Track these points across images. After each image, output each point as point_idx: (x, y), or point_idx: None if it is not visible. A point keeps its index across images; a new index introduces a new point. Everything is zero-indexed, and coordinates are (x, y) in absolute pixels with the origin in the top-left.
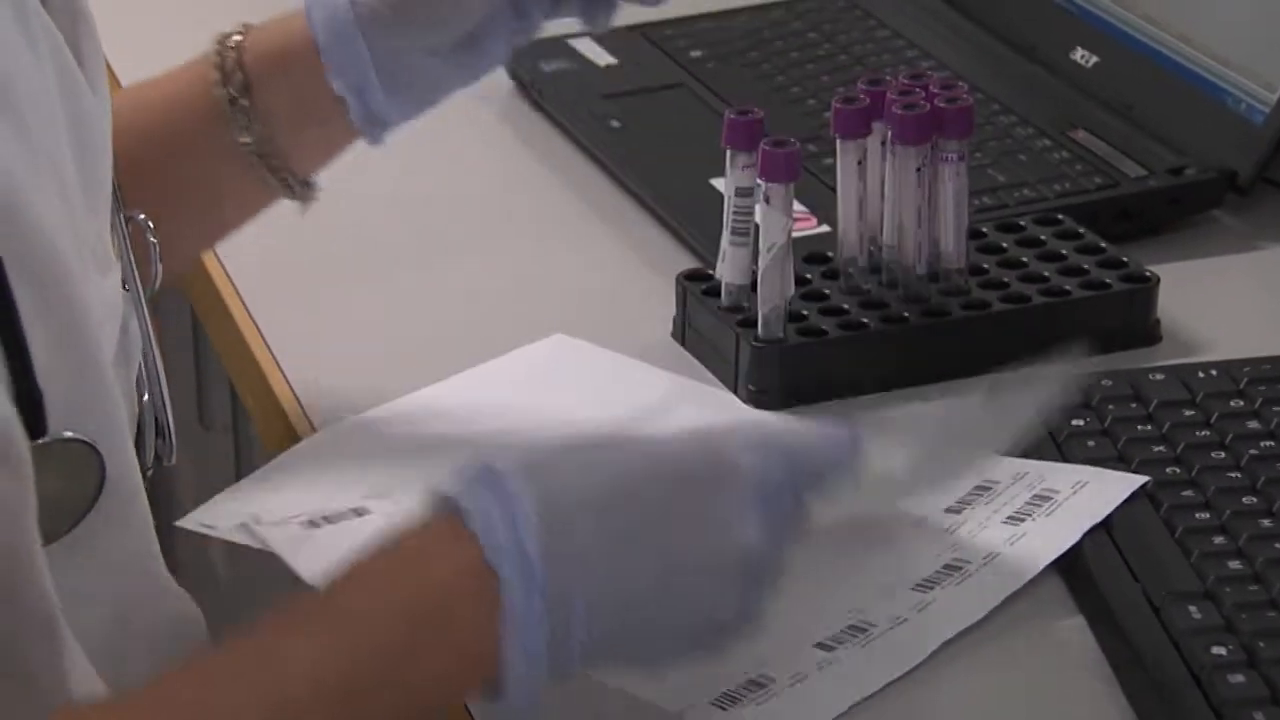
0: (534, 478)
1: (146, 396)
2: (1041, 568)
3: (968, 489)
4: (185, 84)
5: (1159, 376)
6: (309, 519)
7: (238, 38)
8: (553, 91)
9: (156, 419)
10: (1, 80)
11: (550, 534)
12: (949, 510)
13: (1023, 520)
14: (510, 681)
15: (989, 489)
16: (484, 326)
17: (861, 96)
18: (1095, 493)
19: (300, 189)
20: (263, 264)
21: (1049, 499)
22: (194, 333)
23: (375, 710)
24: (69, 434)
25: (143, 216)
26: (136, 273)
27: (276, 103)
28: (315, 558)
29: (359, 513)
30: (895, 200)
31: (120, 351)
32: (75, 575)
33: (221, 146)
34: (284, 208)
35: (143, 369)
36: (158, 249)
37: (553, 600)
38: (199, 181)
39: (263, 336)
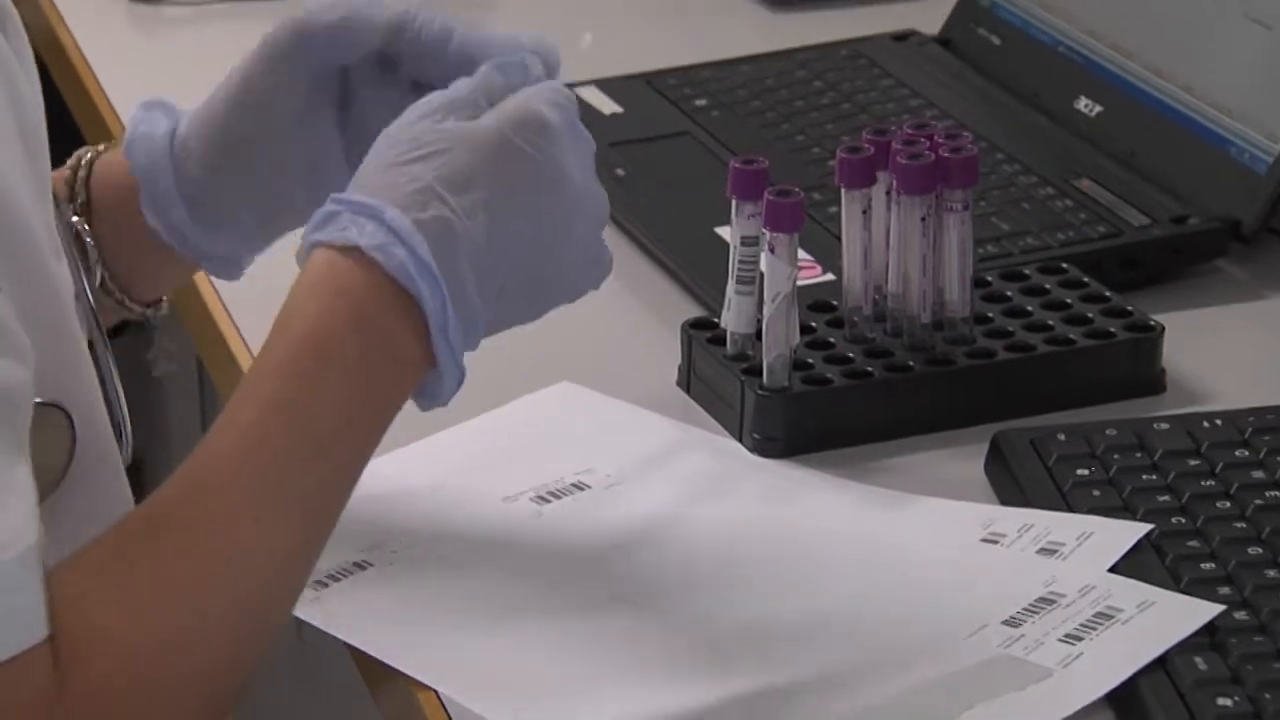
0: (393, 200)
1: (107, 389)
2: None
3: (975, 541)
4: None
5: (1164, 426)
6: (315, 579)
7: (91, 154)
8: None
9: (118, 417)
10: None
11: (437, 242)
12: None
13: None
14: (444, 375)
15: (995, 541)
16: (489, 374)
17: (866, 146)
18: (1101, 548)
19: (145, 310)
20: (266, 306)
21: (1055, 551)
22: (199, 369)
23: (347, 440)
24: (39, 399)
25: (76, 219)
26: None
27: (110, 227)
28: (330, 617)
29: (361, 566)
30: (900, 249)
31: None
32: (53, 546)
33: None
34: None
35: (98, 362)
36: (94, 249)
37: (455, 299)
38: None
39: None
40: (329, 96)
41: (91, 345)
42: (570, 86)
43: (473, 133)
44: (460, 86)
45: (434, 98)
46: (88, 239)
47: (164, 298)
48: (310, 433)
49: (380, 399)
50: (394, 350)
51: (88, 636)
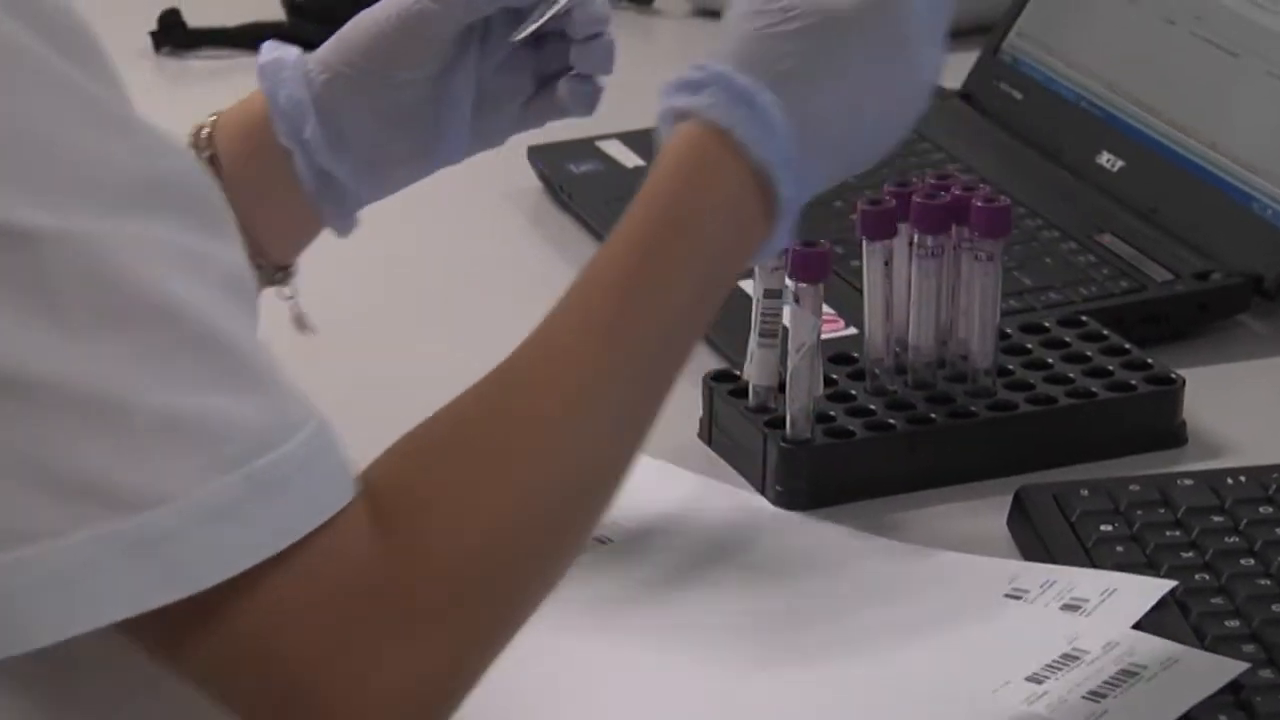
0: (770, 84)
1: None
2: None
3: (998, 596)
4: None
5: (1188, 482)
6: None
7: (213, 118)
8: (581, 193)
9: None
10: None
11: (801, 134)
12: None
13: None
14: (776, 246)
15: (1019, 598)
16: None
17: (887, 198)
18: (1124, 604)
19: (273, 273)
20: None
21: (1078, 608)
22: None
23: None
24: None
25: None
26: None
27: (239, 174)
28: None
29: None
30: (921, 302)
31: None
32: None
33: None
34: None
35: None
36: None
37: (806, 190)
38: None
39: None
40: (466, 49)
41: None
42: (593, 140)
43: (841, 10)
44: None
45: None
46: None
47: (291, 265)
48: (668, 315)
49: (728, 277)
50: (746, 231)
51: (409, 506)
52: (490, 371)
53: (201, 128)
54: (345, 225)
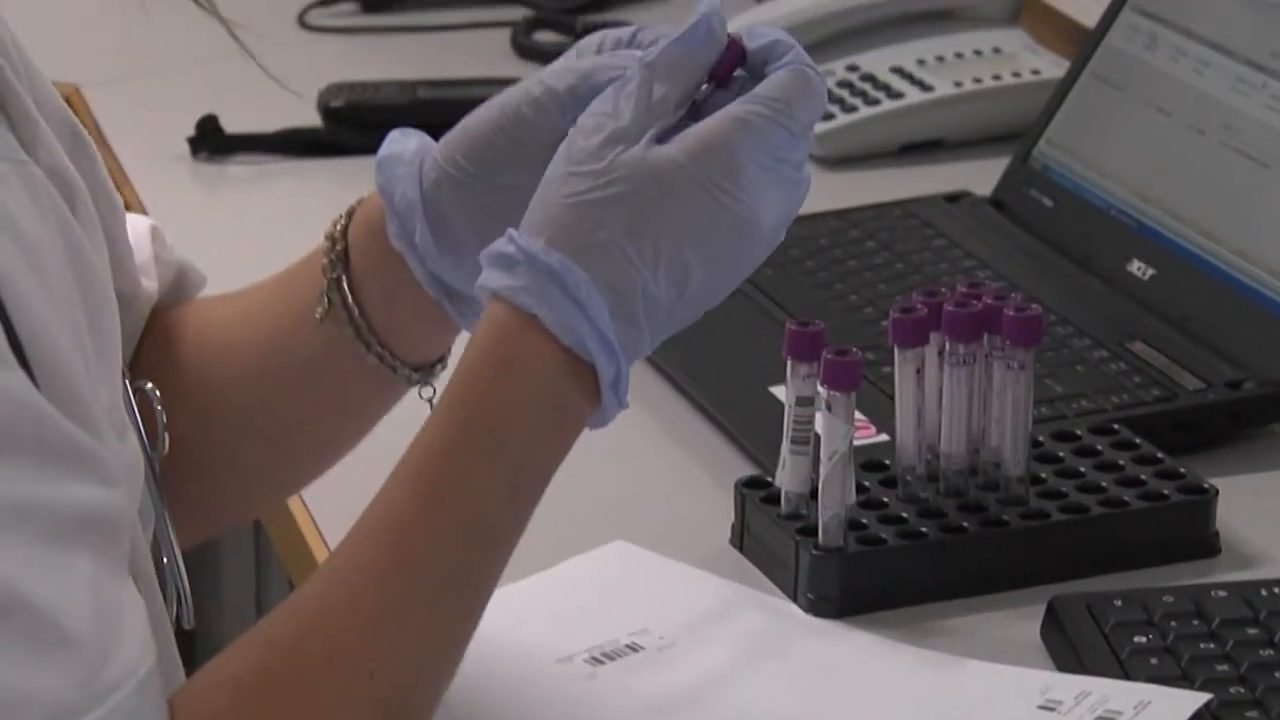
0: (577, 256)
1: (165, 559)
2: None
3: (1031, 708)
4: (301, 270)
5: (1222, 594)
6: None
7: (351, 209)
8: None
9: (176, 585)
10: (29, 248)
11: (618, 305)
12: None
13: None
14: (607, 415)
15: (1052, 709)
16: (543, 532)
17: (919, 306)
18: (1159, 718)
19: (409, 374)
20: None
21: None
22: (255, 533)
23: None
24: None
25: (150, 386)
26: (146, 439)
27: (367, 272)
28: None
29: None
30: (953, 409)
31: (142, 512)
32: None
33: (328, 337)
34: None
35: (158, 534)
36: (164, 417)
37: (629, 353)
38: (317, 387)
39: (324, 541)
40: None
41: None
42: None
43: (658, 170)
44: (634, 90)
45: (619, 105)
46: (157, 406)
47: (433, 364)
48: (474, 516)
49: (548, 464)
50: (565, 413)
51: None
52: (293, 594)
53: (337, 221)
54: (465, 320)
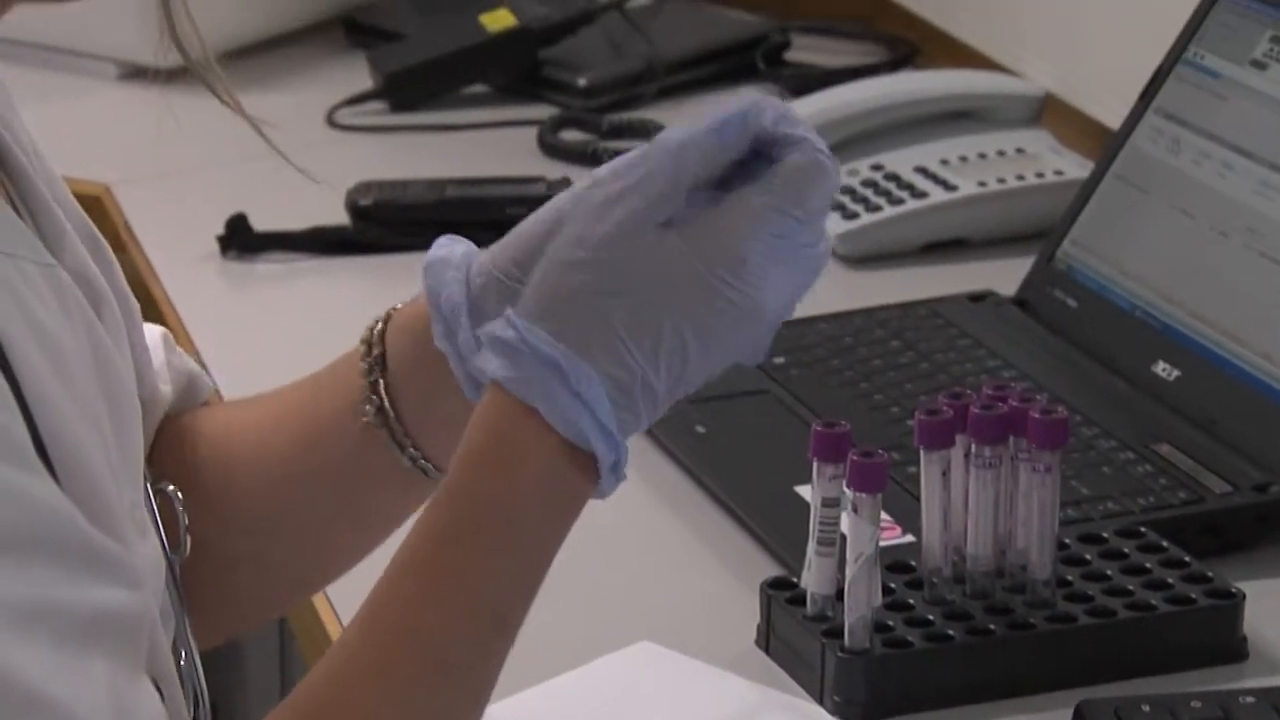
0: (580, 349)
1: (183, 660)
2: None
3: None
4: (331, 373)
5: (1249, 700)
6: None
7: (389, 313)
8: None
9: (194, 686)
10: (54, 350)
11: (618, 396)
12: None
13: None
14: (604, 492)
15: None
16: (569, 632)
17: (945, 409)
18: None
19: (440, 475)
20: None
21: None
22: (279, 628)
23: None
24: None
25: (171, 488)
26: (166, 542)
27: (406, 375)
28: None
29: None
30: (979, 511)
31: (163, 613)
32: None
33: (362, 439)
34: None
35: (177, 634)
36: (185, 519)
37: (626, 434)
38: (346, 489)
39: None
40: None
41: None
42: None
43: (664, 261)
44: (650, 172)
45: (629, 193)
46: (179, 508)
47: None
48: (478, 602)
49: (550, 546)
50: (566, 497)
51: None
52: (301, 683)
53: (376, 323)
54: None
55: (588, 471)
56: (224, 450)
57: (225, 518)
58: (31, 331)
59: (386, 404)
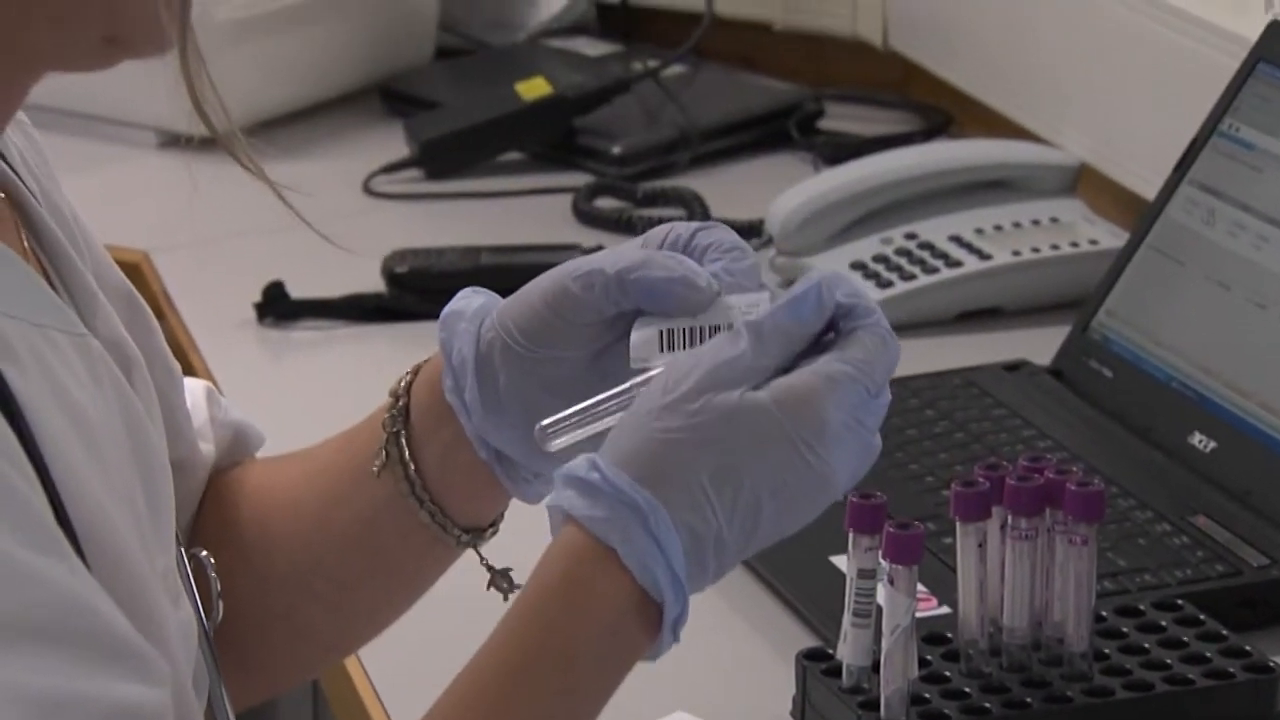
0: (661, 495)
1: None
2: None
3: None
4: (363, 428)
5: None
6: None
7: (420, 365)
8: None
9: None
10: (83, 422)
11: (692, 547)
12: None
13: None
14: (661, 651)
15: None
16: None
17: (981, 480)
18: None
19: (459, 535)
20: (390, 644)
21: None
22: (313, 694)
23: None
24: None
25: (205, 553)
26: (200, 607)
27: (426, 428)
28: None
29: None
30: (1015, 584)
31: (197, 678)
32: None
33: (383, 493)
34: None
35: (212, 700)
36: (218, 585)
37: (693, 588)
38: (371, 545)
39: (380, 702)
40: (623, 331)
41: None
42: None
43: (752, 419)
44: (747, 342)
45: (722, 350)
46: (212, 573)
47: (483, 528)
48: None
49: (606, 693)
50: (626, 647)
51: None
52: None
53: (403, 377)
54: (528, 492)
55: (650, 623)
56: (260, 508)
57: (261, 576)
58: (59, 404)
59: (407, 455)
